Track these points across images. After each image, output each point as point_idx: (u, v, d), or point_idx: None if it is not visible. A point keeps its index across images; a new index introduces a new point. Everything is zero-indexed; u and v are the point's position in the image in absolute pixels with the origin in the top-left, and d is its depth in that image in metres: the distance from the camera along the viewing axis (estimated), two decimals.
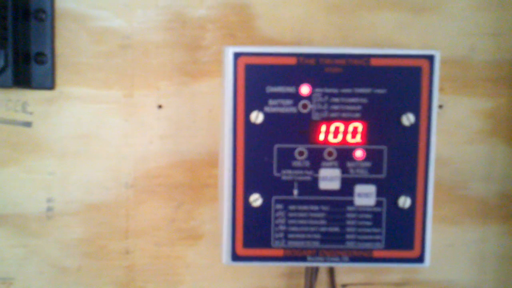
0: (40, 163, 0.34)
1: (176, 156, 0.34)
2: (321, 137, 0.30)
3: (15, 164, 0.33)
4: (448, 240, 0.35)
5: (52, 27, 0.33)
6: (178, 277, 0.35)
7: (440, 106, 0.34)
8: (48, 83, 0.33)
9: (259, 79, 0.30)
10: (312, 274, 0.33)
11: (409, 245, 0.31)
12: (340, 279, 0.34)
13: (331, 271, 0.33)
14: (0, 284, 0.34)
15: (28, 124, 0.33)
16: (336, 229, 0.30)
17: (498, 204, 0.35)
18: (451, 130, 0.35)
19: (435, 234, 0.33)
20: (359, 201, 0.30)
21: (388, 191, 0.30)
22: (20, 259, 0.34)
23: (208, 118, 0.34)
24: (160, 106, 0.33)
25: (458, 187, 0.35)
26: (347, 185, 0.30)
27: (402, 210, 0.31)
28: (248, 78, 0.30)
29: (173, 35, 0.33)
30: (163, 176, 0.34)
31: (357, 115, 0.30)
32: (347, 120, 0.29)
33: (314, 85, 0.30)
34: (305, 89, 0.30)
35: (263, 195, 0.30)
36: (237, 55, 0.29)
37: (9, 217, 0.34)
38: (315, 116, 0.29)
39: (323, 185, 0.30)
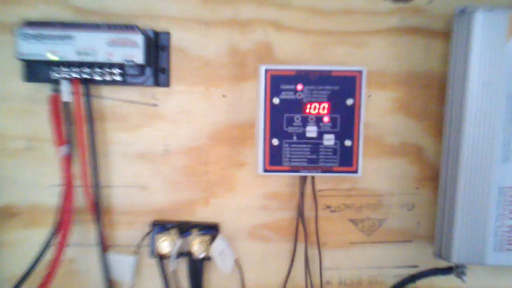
0: (161, 126, 0.60)
1: (232, 122, 0.60)
2: (307, 110, 0.58)
3: (148, 126, 0.61)
4: (373, 166, 0.62)
5: (169, 54, 0.61)
6: (233, 185, 0.62)
7: (369, 96, 0.62)
8: (166, 84, 0.61)
9: (277, 81, 0.56)
10: (302, 181, 0.62)
11: (350, 165, 0.60)
12: (317, 187, 0.63)
13: (312, 180, 0.62)
14: (140, 189, 0.62)
15: (155, 105, 0.61)
16: (314, 156, 0.59)
17: (400, 148, 0.61)
18: (373, 106, 0.60)
19: (365, 163, 0.61)
20: (326, 142, 0.59)
21: (340, 137, 0.58)
22: (151, 176, 0.62)
23: (249, 102, 0.60)
24: (224, 96, 0.61)
25: (377, 138, 0.61)
26: (320, 134, 0.59)
27: (347, 147, 0.59)
28: (272, 81, 0.58)
29: (231, 58, 0.59)
30: (226, 132, 0.60)
31: (325, 99, 0.58)
32: (320, 102, 0.58)
33: (304, 84, 0.58)
34: (299, 87, 0.58)
35: (278, 139, 0.58)
36: (266, 70, 0.58)
37: (146, 155, 0.62)
38: (305, 100, 0.57)
39: (308, 134, 0.58)
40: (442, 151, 0.59)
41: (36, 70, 0.56)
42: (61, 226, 0.57)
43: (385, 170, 0.62)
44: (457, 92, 0.57)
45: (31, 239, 0.61)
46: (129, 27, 0.53)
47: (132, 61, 0.52)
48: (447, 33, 0.60)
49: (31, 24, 0.52)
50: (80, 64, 0.54)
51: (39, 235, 0.60)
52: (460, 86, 0.56)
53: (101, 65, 0.54)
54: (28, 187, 0.60)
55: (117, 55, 0.52)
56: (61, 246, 0.57)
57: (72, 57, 0.52)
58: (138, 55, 0.53)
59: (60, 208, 0.57)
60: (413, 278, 0.62)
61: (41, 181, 0.60)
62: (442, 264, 0.59)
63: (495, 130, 0.55)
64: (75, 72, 0.54)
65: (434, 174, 0.62)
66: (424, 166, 0.62)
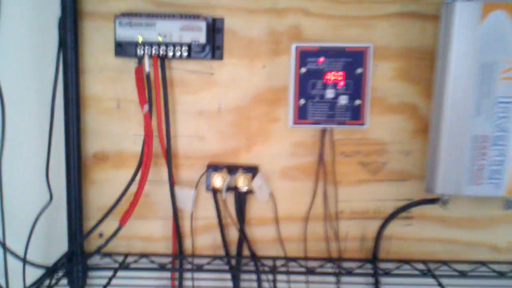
0: (216, 90, 0.78)
1: (269, 87, 0.78)
2: (327, 77, 0.77)
3: (206, 90, 0.80)
4: (378, 120, 0.81)
5: (223, 35, 0.79)
6: (269, 135, 0.80)
7: (376, 66, 0.81)
8: (221, 57, 0.80)
9: (304, 55, 0.75)
10: (323, 132, 0.81)
11: (360, 119, 0.79)
12: (334, 137, 0.82)
13: (330, 131, 0.80)
14: (199, 139, 0.82)
15: (212, 74, 0.80)
16: (332, 112, 0.78)
17: (400, 106, 0.79)
18: (379, 74, 0.77)
19: (372, 118, 0.80)
20: (341, 101, 0.78)
21: (352, 97, 0.77)
22: (207, 129, 0.81)
23: (284, 72, 0.78)
24: (264, 67, 0.80)
25: (382, 99, 0.78)
26: (336, 96, 0.77)
27: (357, 105, 0.78)
28: (300, 55, 0.76)
29: (269, 38, 0.77)
30: (264, 95, 0.79)
31: (340, 69, 0.77)
32: (336, 71, 0.76)
33: (325, 57, 0.77)
34: (321, 59, 0.76)
35: (305, 99, 0.77)
36: (296, 46, 0.76)
37: (204, 112, 0.81)
38: (325, 69, 0.76)
39: (327, 95, 0.77)
40: (431, 108, 0.77)
41: (124, 48, 0.75)
42: (143, 166, 0.77)
43: (387, 124, 0.80)
44: (442, 62, 0.74)
45: (118, 178, 0.81)
46: (195, 16, 0.72)
47: (197, 41, 0.71)
48: (437, 17, 0.77)
49: (125, 15, 0.72)
50: (158, 43, 0.73)
51: (124, 174, 0.80)
52: (444, 57, 0.73)
53: (174, 44, 0.73)
54: (116, 137, 0.80)
55: (187, 37, 0.71)
56: (142, 182, 0.77)
57: (155, 39, 0.71)
58: (201, 37, 0.72)
59: (142, 152, 0.77)
60: (407, 206, 0.81)
61: (126, 132, 0.80)
62: (430, 197, 0.78)
63: (469, 90, 0.72)
64: (155, 49, 0.73)
65: (425, 127, 0.80)
66: (418, 121, 0.80)
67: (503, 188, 0.75)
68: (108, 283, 0.73)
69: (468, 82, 0.72)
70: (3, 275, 0.76)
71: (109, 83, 0.78)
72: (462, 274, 0.80)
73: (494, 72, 0.72)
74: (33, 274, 0.75)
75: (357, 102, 0.76)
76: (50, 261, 0.78)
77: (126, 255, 0.81)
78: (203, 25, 0.72)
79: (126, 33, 0.71)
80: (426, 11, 0.77)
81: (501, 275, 0.80)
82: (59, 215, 0.80)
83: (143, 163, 0.76)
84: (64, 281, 0.79)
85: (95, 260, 0.81)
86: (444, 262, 0.82)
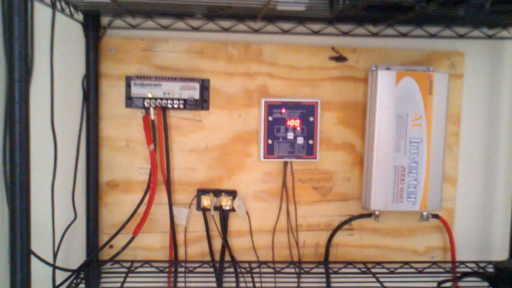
0: (203, 133, 1.02)
1: (244, 130, 1.04)
2: (288, 123, 1.02)
3: (196, 133, 1.03)
4: (326, 155, 1.08)
5: (209, 92, 1.05)
6: (244, 167, 1.04)
7: (323, 115, 1.07)
8: (207, 108, 1.05)
9: (271, 107, 1.00)
10: (285, 165, 1.06)
11: (313, 154, 1.04)
12: (294, 168, 1.08)
13: (291, 164, 1.06)
14: (191, 170, 1.05)
15: (200, 121, 1.04)
16: (292, 150, 1.02)
17: (342, 145, 1.05)
18: (325, 121, 1.06)
19: (321, 153, 1.06)
20: (298, 141, 1.04)
21: (306, 138, 1.02)
22: (197, 162, 1.05)
23: (255, 119, 1.04)
24: (240, 115, 1.04)
25: (328, 139, 1.06)
26: (295, 137, 1.02)
27: (310, 144, 1.04)
28: (268, 107, 1.01)
29: (244, 94, 1.02)
30: (240, 136, 1.04)
31: (298, 117, 1.02)
32: (295, 119, 1.01)
33: (286, 109, 1.02)
34: (283, 110, 1.01)
35: (272, 140, 1.01)
36: (265, 101, 1.01)
37: (194, 149, 1.04)
38: (286, 118, 1.01)
39: (288, 136, 1.01)
40: (365, 146, 1.04)
41: (133, 101, 0.99)
42: (150, 191, 1.00)
43: (333, 158, 1.07)
44: (370, 113, 1.02)
45: (126, 201, 1.03)
46: (191, 79, 0.97)
47: (193, 97, 0.97)
48: (366, 80, 1.05)
49: (137, 77, 0.96)
50: (162, 98, 0.98)
51: (131, 198, 1.03)
52: (372, 109, 1.01)
53: (173, 99, 0.98)
54: (125, 169, 1.03)
55: (185, 94, 0.96)
56: (150, 203, 0.99)
57: (160, 95, 0.96)
58: (196, 94, 0.97)
59: (149, 181, 1.00)
60: (349, 220, 1.07)
61: (132, 165, 1.03)
62: (366, 212, 1.04)
63: (390, 133, 1.00)
64: (158, 102, 0.98)
65: (361, 160, 1.07)
66: (355, 155, 1.08)
67: (417, 204, 1.02)
68: (122, 285, 0.94)
69: (389, 127, 1.00)
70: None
71: (121, 127, 1.02)
72: (392, 272, 1.05)
73: (407, 120, 1.00)
74: (49, 278, 0.95)
75: (311, 141, 1.02)
76: (70, 267, 0.99)
77: (132, 262, 1.02)
78: (197, 85, 0.97)
79: (138, 90, 0.96)
80: (358, 75, 1.06)
81: (420, 271, 1.07)
82: (79, 230, 1.01)
83: (150, 188, 0.99)
84: (82, 286, 0.99)
85: (107, 266, 1.02)
86: (379, 263, 1.08)
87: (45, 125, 0.94)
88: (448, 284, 0.98)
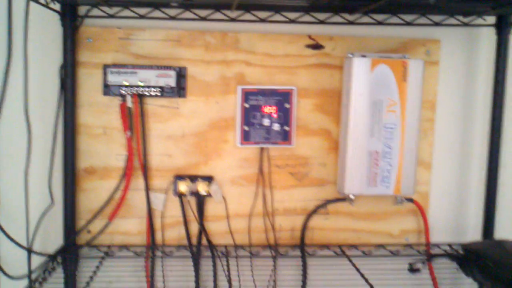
0: (180, 120, 1.03)
1: (221, 117, 1.05)
2: (264, 110, 1.03)
3: (173, 120, 1.04)
4: (302, 141, 1.09)
5: (186, 80, 1.06)
6: (221, 153, 1.05)
7: (299, 101, 1.08)
8: (184, 96, 1.06)
9: (247, 94, 1.01)
10: (261, 151, 1.07)
11: (288, 140, 1.05)
12: (270, 153, 1.09)
13: (267, 150, 1.08)
14: (168, 157, 1.06)
15: (177, 108, 1.05)
16: (268, 136, 1.03)
17: (318, 131, 1.07)
18: (301, 108, 1.08)
19: (297, 139, 1.07)
20: (274, 128, 1.04)
21: (282, 125, 1.04)
22: (174, 149, 1.05)
23: (232, 106, 1.05)
24: (217, 102, 1.05)
25: (304, 126, 1.08)
26: (271, 124, 1.03)
27: (286, 130, 1.05)
28: (244, 94, 1.02)
29: (221, 81, 1.03)
30: (217, 123, 1.05)
31: (274, 104, 1.03)
32: (270, 105, 1.03)
33: (262, 96, 1.04)
34: (260, 97, 1.02)
35: (248, 126, 1.02)
36: (242, 88, 1.03)
37: (171, 136, 1.06)
38: (262, 104, 1.02)
39: (264, 123, 1.02)
40: (340, 132, 1.06)
41: (110, 89, 1.00)
42: (126, 177, 1.01)
43: (309, 144, 1.08)
44: (346, 99, 1.03)
45: (103, 187, 1.04)
46: (167, 67, 0.98)
47: (169, 85, 0.97)
48: (341, 67, 1.06)
49: (114, 65, 0.96)
50: (137, 86, 0.98)
51: (108, 184, 1.04)
52: (347, 96, 1.03)
53: (149, 87, 0.99)
54: (103, 156, 1.04)
55: (161, 82, 0.97)
56: (126, 189, 1.01)
57: (136, 83, 0.96)
58: (172, 82, 0.98)
59: (125, 166, 1.01)
60: (324, 204, 1.09)
61: (110, 152, 1.04)
62: (341, 197, 1.07)
63: (365, 119, 1.02)
64: (135, 91, 0.98)
65: (336, 145, 1.09)
66: (331, 141, 1.09)
67: (391, 188, 1.04)
68: (98, 269, 0.96)
69: (364, 114, 1.01)
70: (5, 263, 0.97)
71: (98, 115, 1.02)
72: (367, 254, 1.08)
73: (381, 106, 1.01)
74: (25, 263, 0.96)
75: (286, 128, 1.03)
76: (48, 252, 1.00)
77: (109, 246, 1.04)
78: (173, 73, 0.98)
79: (114, 78, 0.96)
80: (335, 63, 1.07)
81: (395, 254, 1.10)
82: (57, 216, 1.02)
83: (126, 174, 1.00)
84: (60, 271, 1.01)
85: (84, 251, 1.04)
86: (354, 246, 1.10)
87: (22, 113, 0.95)
88: (419, 265, 1.01)
